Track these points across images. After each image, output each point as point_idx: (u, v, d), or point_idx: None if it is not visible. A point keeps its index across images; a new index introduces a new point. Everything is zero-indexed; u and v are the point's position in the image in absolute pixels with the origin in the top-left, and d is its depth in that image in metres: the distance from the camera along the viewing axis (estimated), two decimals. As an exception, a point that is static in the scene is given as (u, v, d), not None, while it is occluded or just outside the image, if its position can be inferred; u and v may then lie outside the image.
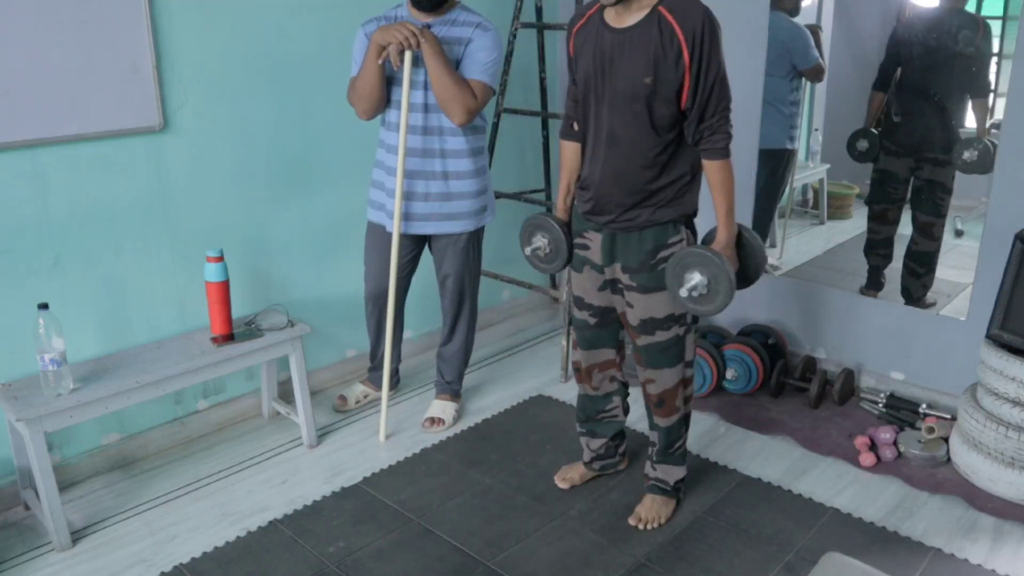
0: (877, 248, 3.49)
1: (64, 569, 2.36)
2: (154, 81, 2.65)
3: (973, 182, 3.16)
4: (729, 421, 3.09)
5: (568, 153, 2.40)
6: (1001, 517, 2.53)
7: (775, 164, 3.55)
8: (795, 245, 3.79)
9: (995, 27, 3.15)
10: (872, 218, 3.51)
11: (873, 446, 2.86)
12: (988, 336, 2.67)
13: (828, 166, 3.83)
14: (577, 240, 2.41)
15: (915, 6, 3.32)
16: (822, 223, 3.92)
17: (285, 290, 3.15)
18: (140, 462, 2.86)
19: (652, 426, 2.52)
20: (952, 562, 2.34)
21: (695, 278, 2.17)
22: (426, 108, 2.73)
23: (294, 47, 2.98)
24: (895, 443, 2.84)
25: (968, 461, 2.68)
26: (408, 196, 2.79)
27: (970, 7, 3.27)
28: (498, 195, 3.51)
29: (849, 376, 3.20)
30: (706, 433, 3.02)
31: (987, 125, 3.14)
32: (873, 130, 3.42)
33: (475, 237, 2.94)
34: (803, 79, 3.54)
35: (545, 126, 3.82)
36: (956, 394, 2.99)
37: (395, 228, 2.80)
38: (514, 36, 3.50)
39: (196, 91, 2.77)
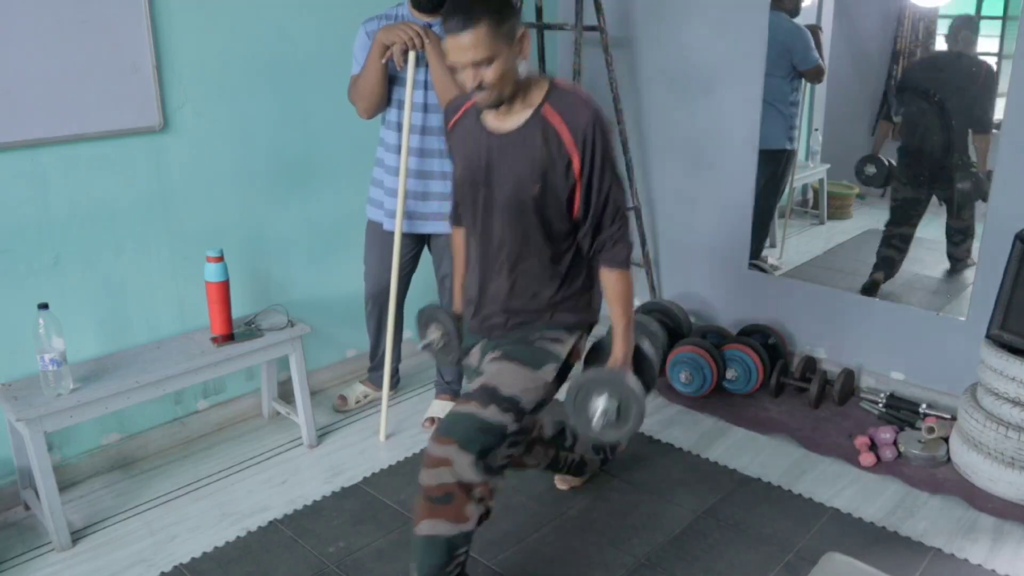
0: (892, 240, 3.51)
1: (64, 569, 2.36)
2: (154, 81, 2.65)
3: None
4: (729, 421, 3.09)
5: (461, 241, 2.20)
6: (1001, 517, 2.53)
7: (775, 164, 3.56)
8: (795, 245, 3.80)
9: (995, 27, 3.15)
10: (891, 229, 3.52)
11: (873, 446, 2.86)
12: (988, 336, 2.66)
13: (828, 166, 3.83)
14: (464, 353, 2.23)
15: (927, 49, 3.40)
16: (822, 223, 3.92)
17: (285, 290, 3.15)
18: (140, 462, 2.86)
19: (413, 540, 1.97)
20: (952, 562, 2.34)
21: (602, 403, 1.94)
22: (426, 108, 2.73)
23: (294, 47, 2.98)
24: (895, 443, 2.84)
25: (968, 461, 2.68)
26: (407, 195, 2.79)
27: (970, 8, 3.27)
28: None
29: (849, 376, 3.20)
30: (706, 433, 3.02)
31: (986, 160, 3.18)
32: (880, 157, 3.45)
33: (475, 237, 2.93)
34: (803, 79, 3.54)
35: (545, 126, 3.82)
36: (956, 394, 2.99)
37: (396, 227, 2.80)
38: (514, 36, 3.49)
39: (196, 91, 2.77)
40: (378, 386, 3.18)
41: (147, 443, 2.90)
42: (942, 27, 3.42)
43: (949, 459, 2.79)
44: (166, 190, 2.77)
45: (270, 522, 2.53)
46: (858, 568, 1.64)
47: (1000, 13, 3.18)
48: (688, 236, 3.69)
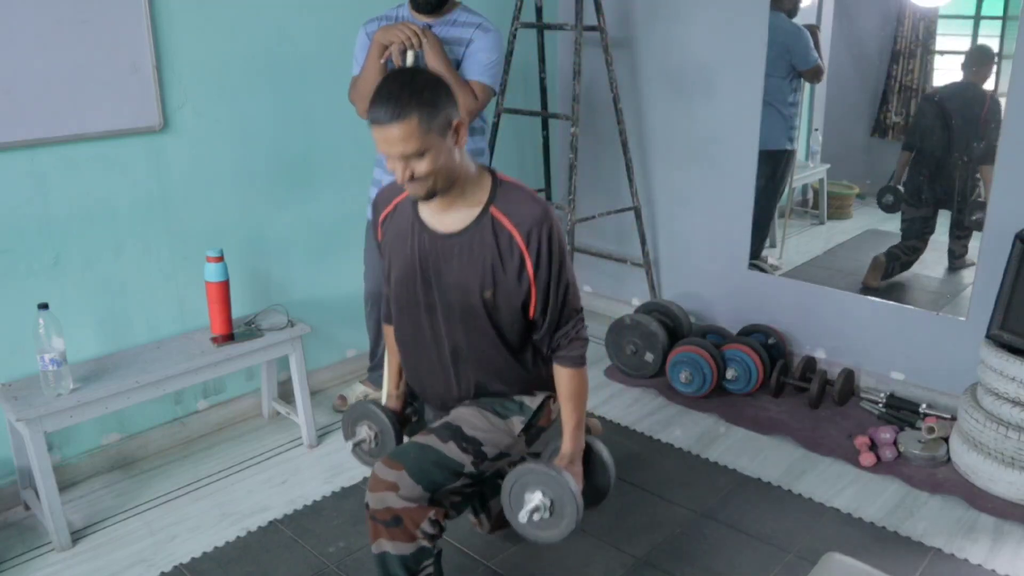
0: (903, 249, 3.52)
1: (64, 569, 2.36)
2: (154, 81, 2.65)
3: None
4: (729, 421, 3.09)
5: (394, 341, 2.08)
6: (1001, 517, 2.53)
7: (775, 164, 3.56)
8: (795, 245, 3.80)
9: (995, 27, 3.15)
10: (903, 243, 3.53)
11: (873, 446, 2.86)
12: (988, 336, 2.67)
13: (828, 166, 3.83)
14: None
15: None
16: (822, 223, 3.92)
17: (285, 290, 3.15)
18: (140, 462, 2.86)
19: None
20: (952, 562, 2.34)
21: (535, 499, 1.83)
22: (426, 108, 2.73)
23: (294, 47, 2.98)
24: (895, 443, 2.84)
25: (968, 461, 2.68)
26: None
27: (970, 9, 3.28)
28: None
29: (849, 376, 3.20)
30: (706, 433, 3.02)
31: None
32: (899, 188, 3.47)
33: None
34: (802, 79, 3.54)
35: (545, 126, 3.83)
36: (956, 394, 2.98)
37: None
38: (514, 36, 3.50)
39: (196, 91, 2.77)
40: (378, 386, 3.18)
41: (147, 443, 2.90)
42: (942, 27, 3.43)
43: (949, 459, 2.79)
44: (166, 190, 2.77)
45: (270, 522, 2.53)
46: (858, 568, 1.64)
47: (1000, 13, 3.18)
48: (688, 236, 3.69)
